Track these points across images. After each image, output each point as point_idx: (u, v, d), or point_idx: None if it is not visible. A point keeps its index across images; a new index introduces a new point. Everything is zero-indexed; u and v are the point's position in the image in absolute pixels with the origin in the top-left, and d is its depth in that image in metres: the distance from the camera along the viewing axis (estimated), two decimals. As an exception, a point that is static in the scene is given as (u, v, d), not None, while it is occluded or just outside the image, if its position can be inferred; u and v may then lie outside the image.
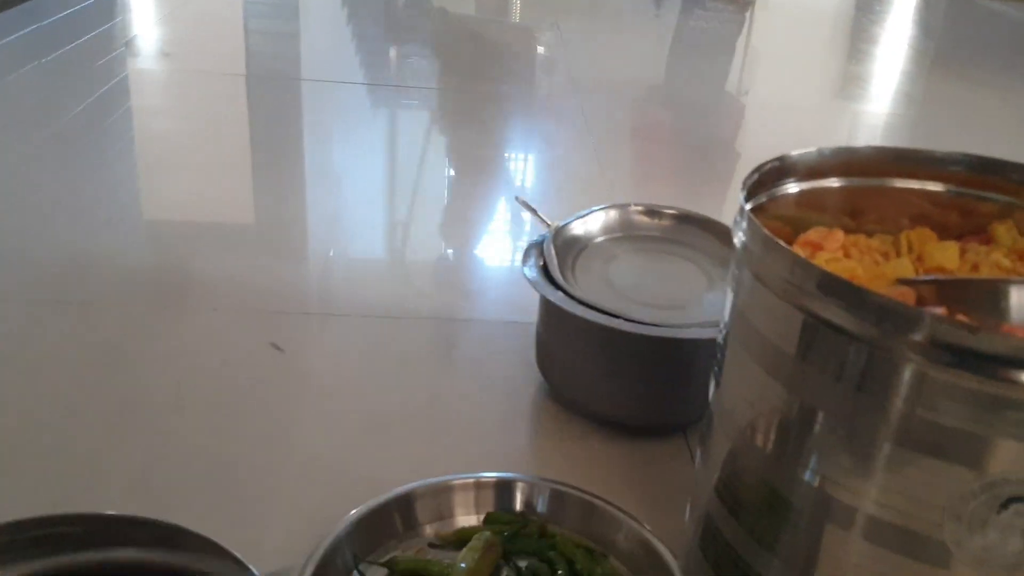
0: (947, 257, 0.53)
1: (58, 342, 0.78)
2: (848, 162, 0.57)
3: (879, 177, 0.57)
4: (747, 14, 2.43)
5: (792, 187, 0.56)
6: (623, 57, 1.95)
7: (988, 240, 0.56)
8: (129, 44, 1.70)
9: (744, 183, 0.50)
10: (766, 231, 0.44)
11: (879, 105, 1.80)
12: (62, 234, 0.96)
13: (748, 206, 0.50)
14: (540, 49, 1.96)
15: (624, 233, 0.78)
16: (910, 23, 2.64)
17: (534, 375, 0.76)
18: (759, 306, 0.46)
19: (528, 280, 0.69)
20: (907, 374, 0.39)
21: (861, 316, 0.40)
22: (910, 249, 0.54)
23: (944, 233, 0.56)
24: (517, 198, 0.82)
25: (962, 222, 0.57)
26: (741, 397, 0.48)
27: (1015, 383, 0.37)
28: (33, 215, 1.01)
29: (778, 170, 0.54)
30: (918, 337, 0.38)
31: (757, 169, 0.52)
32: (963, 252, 0.54)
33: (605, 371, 0.68)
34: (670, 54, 2.06)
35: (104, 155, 1.18)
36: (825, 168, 0.56)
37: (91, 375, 0.74)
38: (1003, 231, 0.55)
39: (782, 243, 0.43)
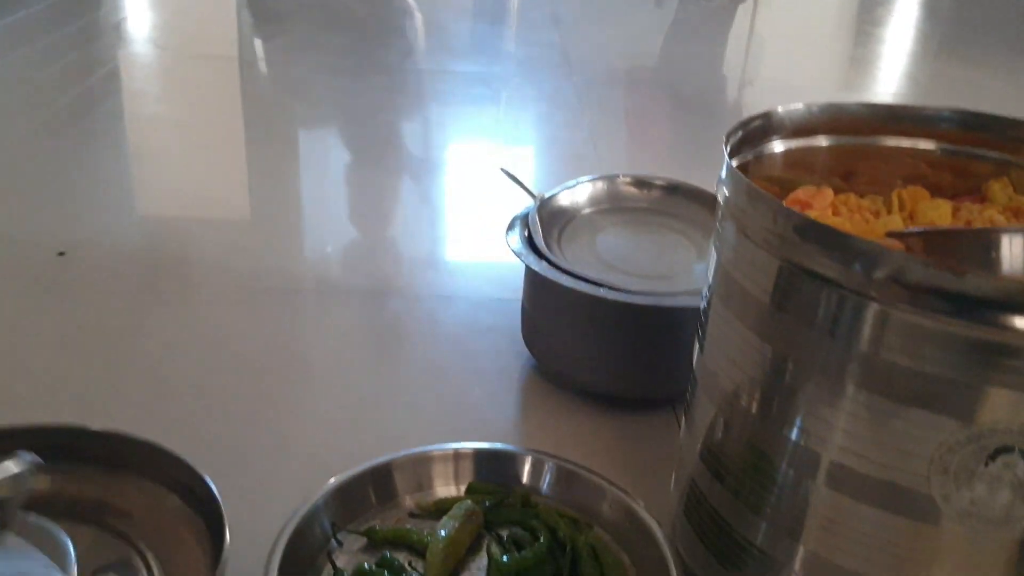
0: (939, 215, 0.51)
1: (47, 322, 0.77)
2: (837, 119, 0.55)
3: (870, 135, 0.56)
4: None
5: (779, 145, 0.54)
6: (621, 43, 1.93)
7: (983, 200, 0.54)
8: (118, 29, 1.68)
9: (727, 137, 0.49)
10: (747, 180, 0.43)
11: (885, 88, 1.77)
12: (53, 219, 0.95)
13: (732, 160, 0.48)
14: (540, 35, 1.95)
15: (612, 205, 0.76)
16: (916, 5, 2.61)
17: (521, 351, 0.74)
18: (742, 260, 0.45)
19: (512, 250, 0.67)
20: (892, 322, 0.37)
21: (844, 263, 0.38)
22: (901, 207, 0.53)
23: (938, 194, 0.54)
24: (502, 168, 0.80)
25: (957, 182, 0.55)
26: (724, 357, 0.47)
27: (1004, 328, 0.35)
28: (24, 201, 0.99)
29: (764, 127, 0.53)
30: (903, 283, 0.36)
31: (742, 124, 0.51)
32: (956, 210, 0.52)
33: (591, 343, 0.66)
34: (667, 38, 2.04)
35: (93, 140, 1.17)
36: (814, 125, 0.55)
37: (78, 352, 0.73)
38: (998, 189, 0.54)
39: (763, 191, 0.42)
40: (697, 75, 1.73)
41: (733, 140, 0.49)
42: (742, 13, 2.29)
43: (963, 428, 0.37)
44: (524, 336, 0.73)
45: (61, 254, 0.81)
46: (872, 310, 0.38)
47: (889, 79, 1.85)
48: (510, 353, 0.75)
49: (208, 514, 0.50)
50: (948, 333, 0.36)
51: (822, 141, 0.55)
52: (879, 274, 0.37)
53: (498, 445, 0.58)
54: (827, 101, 0.55)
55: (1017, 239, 0.42)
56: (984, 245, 0.43)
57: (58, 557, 0.43)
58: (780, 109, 0.53)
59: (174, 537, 0.50)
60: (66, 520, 0.47)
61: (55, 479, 0.53)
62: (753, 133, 0.52)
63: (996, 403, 0.37)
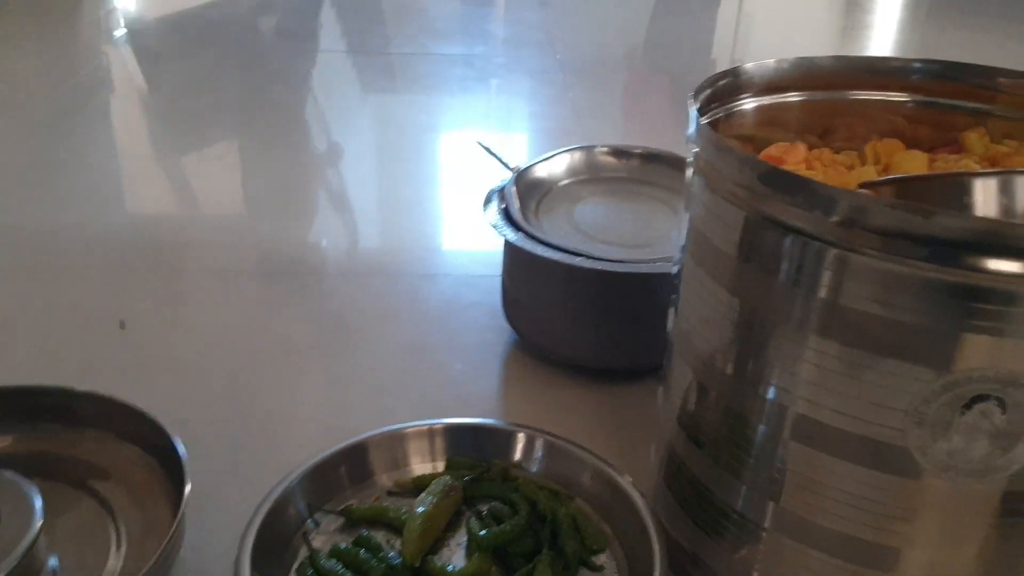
0: (914, 166, 0.50)
1: (34, 305, 0.76)
2: (809, 74, 0.54)
3: (843, 90, 0.55)
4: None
5: (751, 102, 0.53)
6: (608, 23, 1.91)
7: (960, 151, 0.53)
8: (104, 21, 1.67)
9: (696, 94, 0.47)
10: (714, 132, 0.42)
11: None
12: (46, 208, 0.94)
13: (700, 118, 0.47)
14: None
15: (590, 175, 0.75)
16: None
17: (503, 326, 0.73)
18: (711, 215, 0.44)
19: (488, 223, 0.66)
20: (860, 268, 0.36)
21: (809, 209, 0.37)
22: (876, 160, 0.52)
23: (916, 147, 0.53)
24: (478, 142, 0.79)
25: (934, 135, 0.54)
26: (698, 317, 0.46)
27: (976, 270, 0.34)
28: (17, 192, 0.99)
29: (734, 84, 0.51)
30: (869, 227, 0.35)
31: (710, 81, 0.49)
32: (932, 161, 0.51)
33: (571, 314, 0.65)
34: (654, 17, 2.02)
35: (82, 134, 1.16)
36: (785, 81, 0.53)
37: (62, 334, 0.72)
38: (974, 139, 0.53)
39: (729, 143, 0.41)
40: (685, 53, 1.71)
41: (702, 97, 0.48)
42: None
43: (938, 377, 0.36)
44: (505, 311, 0.72)
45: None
46: (839, 257, 0.37)
47: (880, 48, 1.83)
48: (492, 328, 0.74)
49: (173, 469, 0.50)
50: (918, 278, 0.35)
51: (795, 97, 0.54)
52: (844, 219, 0.36)
53: (476, 419, 0.57)
54: (797, 56, 0.54)
55: (990, 183, 0.41)
56: (957, 190, 0.42)
57: (25, 510, 0.43)
58: (749, 65, 0.52)
59: (141, 492, 0.51)
60: (36, 477, 0.47)
61: (25, 439, 0.54)
62: (723, 90, 0.51)
63: (971, 350, 0.36)
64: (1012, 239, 0.33)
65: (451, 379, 0.69)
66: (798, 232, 0.38)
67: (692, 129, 0.45)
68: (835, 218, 0.36)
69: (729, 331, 0.43)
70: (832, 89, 0.54)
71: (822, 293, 0.38)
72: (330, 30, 1.75)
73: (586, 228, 0.69)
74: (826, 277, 0.38)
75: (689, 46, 1.76)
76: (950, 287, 0.35)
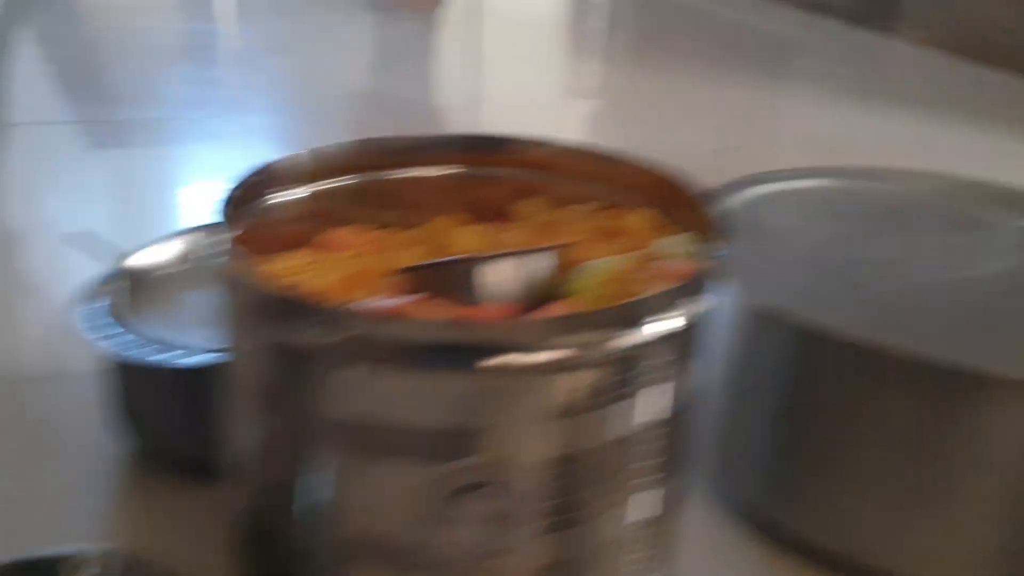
0: (467, 243, 0.52)
1: None
2: (369, 154, 0.54)
3: (406, 167, 0.56)
4: (435, 16, 2.42)
5: (305, 190, 0.52)
6: (325, 72, 1.84)
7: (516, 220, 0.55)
8: None
9: (220, 200, 0.45)
10: (213, 248, 0.40)
11: (602, 99, 1.80)
12: None
13: (229, 226, 0.44)
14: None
15: (208, 258, 0.71)
16: (606, 18, 2.70)
17: (116, 430, 0.66)
18: (230, 327, 0.42)
19: (76, 324, 0.61)
20: (335, 379, 0.36)
21: (298, 330, 0.36)
22: (431, 239, 0.52)
23: (484, 219, 0.55)
24: (70, 235, 0.73)
25: (500, 205, 0.56)
26: (237, 430, 0.44)
27: (453, 368, 0.35)
28: None
29: (276, 176, 0.50)
30: (342, 339, 0.35)
31: (239, 184, 0.47)
32: (486, 235, 0.53)
33: (172, 413, 0.61)
34: (372, 63, 1.99)
35: None
36: (344, 164, 0.53)
37: None
38: (529, 208, 0.55)
39: (231, 264, 0.40)
40: (411, 104, 1.67)
41: (228, 199, 0.46)
42: (460, 30, 2.28)
43: (430, 472, 0.37)
44: (115, 413, 0.66)
45: None
46: (315, 370, 0.36)
47: (602, 90, 1.86)
48: (104, 434, 0.67)
49: None
50: (403, 381, 0.36)
51: (355, 179, 0.54)
52: (315, 333, 0.36)
53: (53, 550, 0.51)
54: (357, 138, 0.54)
55: (490, 268, 0.43)
56: (463, 277, 0.43)
57: None
58: (298, 153, 0.51)
59: None
60: None
61: None
62: (256, 188, 0.49)
63: (450, 444, 0.36)
64: (477, 339, 0.35)
65: (49, 502, 0.61)
66: (296, 348, 0.37)
67: (210, 244, 0.43)
68: (316, 336, 0.36)
69: (256, 444, 0.42)
70: (394, 167, 0.55)
71: (317, 406, 0.37)
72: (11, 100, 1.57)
73: (191, 319, 0.65)
74: (312, 390, 0.37)
75: (414, 96, 1.74)
76: (430, 386, 0.35)
